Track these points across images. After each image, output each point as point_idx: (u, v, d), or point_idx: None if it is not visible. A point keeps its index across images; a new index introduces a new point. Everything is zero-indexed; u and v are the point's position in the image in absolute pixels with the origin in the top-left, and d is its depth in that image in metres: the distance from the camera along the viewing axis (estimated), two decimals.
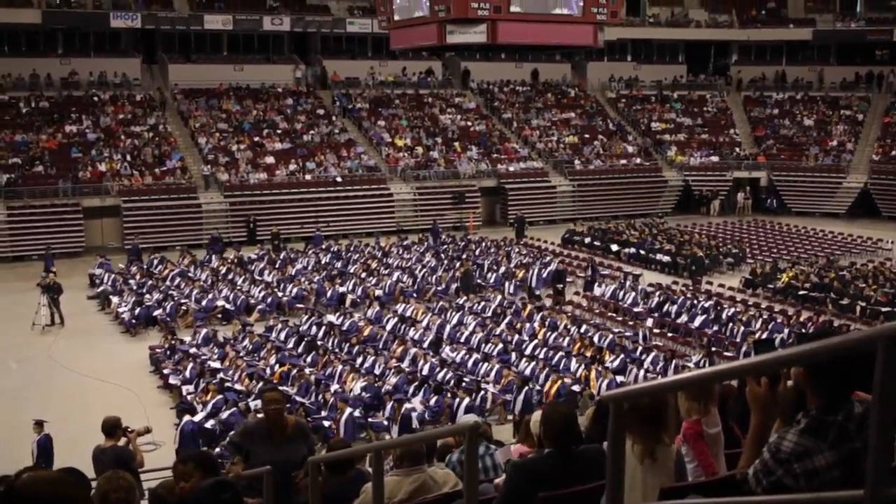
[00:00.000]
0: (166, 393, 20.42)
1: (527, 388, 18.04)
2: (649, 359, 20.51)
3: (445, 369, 20.01)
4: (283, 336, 23.48)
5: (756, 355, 4.48)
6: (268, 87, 47.28)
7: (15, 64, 43.91)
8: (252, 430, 7.65)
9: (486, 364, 20.43)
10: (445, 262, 32.07)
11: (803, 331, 22.35)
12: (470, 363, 20.82)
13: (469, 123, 48.35)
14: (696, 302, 26.12)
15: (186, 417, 16.85)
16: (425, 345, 22.24)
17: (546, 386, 18.61)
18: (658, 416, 4.38)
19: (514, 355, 21.19)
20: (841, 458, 2.89)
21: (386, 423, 17.55)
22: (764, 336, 22.32)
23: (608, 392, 3.55)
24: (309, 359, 21.36)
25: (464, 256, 32.74)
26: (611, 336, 22.35)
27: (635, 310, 26.38)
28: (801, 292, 28.13)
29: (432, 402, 18.14)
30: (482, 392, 18.77)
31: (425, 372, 19.96)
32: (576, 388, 18.76)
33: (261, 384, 19.05)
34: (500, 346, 21.69)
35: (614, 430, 3.36)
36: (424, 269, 30.86)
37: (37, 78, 43.66)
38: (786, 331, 22.79)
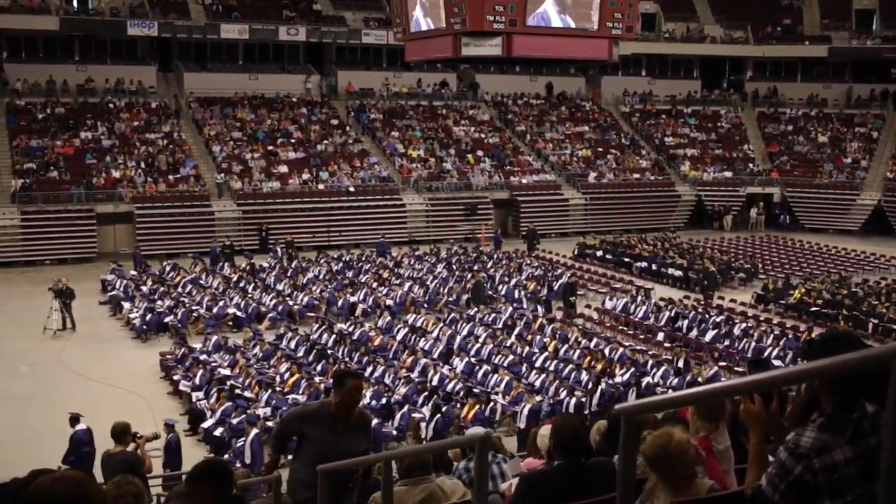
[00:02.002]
0: (176, 399, 20.47)
1: (438, 415, 17.73)
2: (659, 373, 20.45)
3: (455, 380, 20.00)
4: (293, 344, 23.50)
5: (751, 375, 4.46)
6: (282, 97, 47.45)
7: (32, 70, 44.20)
8: (314, 414, 6.70)
9: (495, 375, 20.40)
10: (457, 273, 32.07)
11: (812, 336, 22.11)
12: (480, 374, 20.79)
13: (483, 135, 48.41)
14: (707, 317, 26.06)
15: (172, 434, 16.28)
16: (435, 355, 22.24)
17: (464, 411, 18.09)
18: (690, 464, 3.97)
19: (524, 367, 21.16)
20: (859, 454, 2.90)
21: (395, 433, 17.54)
22: (775, 352, 22.23)
23: (620, 405, 3.53)
24: (319, 367, 21.36)
25: (475, 268, 32.73)
26: (621, 349, 22.30)
27: (646, 323, 26.35)
28: (813, 309, 28.05)
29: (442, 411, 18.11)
30: (491, 403, 18.75)
31: (435, 383, 19.95)
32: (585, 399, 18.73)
33: (269, 392, 19.08)
34: (511, 357, 21.66)
35: (625, 444, 3.35)
36: (436, 280, 30.86)
37: (53, 84, 43.91)
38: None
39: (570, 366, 20.91)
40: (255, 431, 16.23)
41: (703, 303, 28.46)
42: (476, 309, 27.19)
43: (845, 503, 2.89)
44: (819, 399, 3.12)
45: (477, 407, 18.12)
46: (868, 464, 2.88)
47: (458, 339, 23.67)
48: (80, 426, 14.87)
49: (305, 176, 41.74)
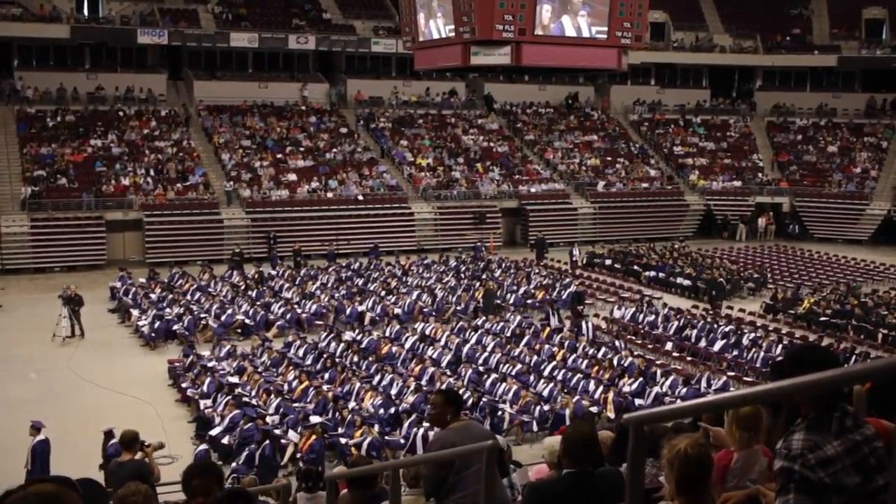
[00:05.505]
0: (184, 406, 20.47)
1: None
2: (668, 382, 20.40)
3: (463, 389, 19.96)
4: (301, 352, 23.49)
5: None
6: (291, 105, 47.57)
7: (42, 78, 44.40)
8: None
9: (503, 384, 20.36)
10: (465, 282, 32.04)
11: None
12: (488, 383, 20.75)
13: (491, 144, 48.42)
14: (716, 326, 25.97)
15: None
16: (443, 364, 22.20)
17: (300, 442, 16.89)
18: (704, 477, 3.75)
19: (532, 376, 21.12)
20: (848, 449, 2.96)
21: (403, 441, 17.50)
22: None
23: (628, 414, 3.52)
24: (327, 375, 21.35)
25: (483, 277, 32.70)
26: (630, 359, 22.25)
27: (654, 333, 26.27)
28: (822, 319, 27.94)
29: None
30: (499, 412, 18.72)
31: None
32: (593, 409, 18.70)
33: (279, 399, 19.07)
34: (519, 366, 21.62)
35: (634, 453, 3.34)
36: (444, 289, 30.83)
37: (64, 92, 44.09)
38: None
39: (578, 374, 20.88)
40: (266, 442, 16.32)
41: (711, 312, 28.38)
42: (484, 318, 27.15)
43: (850, 499, 2.93)
44: (800, 409, 3.18)
45: (313, 437, 16.72)
46: (859, 457, 2.97)
47: (466, 347, 23.64)
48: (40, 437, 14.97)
49: (314, 184, 41.79)
